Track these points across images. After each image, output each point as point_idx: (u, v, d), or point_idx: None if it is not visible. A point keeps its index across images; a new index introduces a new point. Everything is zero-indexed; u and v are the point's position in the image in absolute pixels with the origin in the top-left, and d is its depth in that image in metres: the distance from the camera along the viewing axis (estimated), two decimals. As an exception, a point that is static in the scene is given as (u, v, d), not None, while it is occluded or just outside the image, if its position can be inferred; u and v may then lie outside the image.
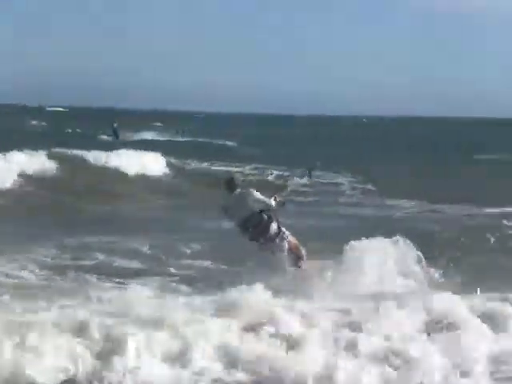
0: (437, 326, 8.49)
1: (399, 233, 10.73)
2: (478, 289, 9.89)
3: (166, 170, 28.02)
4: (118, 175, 25.25)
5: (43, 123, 66.15)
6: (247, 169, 31.32)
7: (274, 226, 10.88)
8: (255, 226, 10.85)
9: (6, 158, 22.65)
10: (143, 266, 12.24)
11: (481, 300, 9.37)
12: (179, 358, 7.20)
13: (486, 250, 13.60)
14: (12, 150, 23.32)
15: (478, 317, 8.73)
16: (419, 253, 10.48)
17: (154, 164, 27.80)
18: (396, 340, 8.04)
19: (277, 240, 10.86)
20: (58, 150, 25.96)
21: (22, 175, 22.01)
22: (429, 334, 8.31)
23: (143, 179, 25.88)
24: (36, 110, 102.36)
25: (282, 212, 11.32)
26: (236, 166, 31.75)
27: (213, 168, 31.36)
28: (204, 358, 7.27)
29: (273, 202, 10.95)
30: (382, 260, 10.45)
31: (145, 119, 77.78)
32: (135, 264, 12.36)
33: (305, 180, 22.79)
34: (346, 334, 8.05)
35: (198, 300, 8.56)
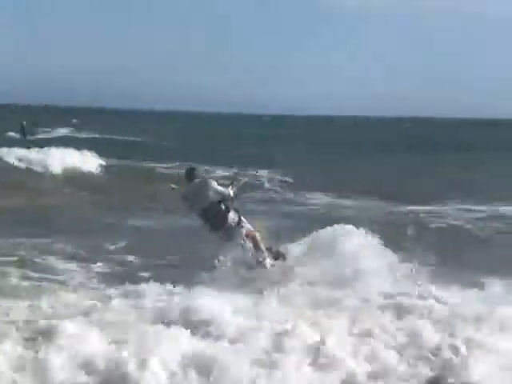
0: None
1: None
2: None
3: (94, 168, 27.94)
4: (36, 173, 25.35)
5: None
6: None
7: (231, 216, 11.13)
8: (214, 215, 11.10)
9: None
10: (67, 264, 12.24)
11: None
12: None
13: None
14: None
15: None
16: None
17: (81, 161, 27.90)
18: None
19: (235, 229, 11.16)
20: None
21: None
22: None
23: (71, 176, 25.81)
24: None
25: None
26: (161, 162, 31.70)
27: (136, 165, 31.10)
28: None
29: (231, 192, 11.22)
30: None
31: (62, 116, 76.91)
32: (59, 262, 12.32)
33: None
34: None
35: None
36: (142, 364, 6.67)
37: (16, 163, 26.55)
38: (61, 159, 27.25)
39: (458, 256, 12.47)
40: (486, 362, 7.19)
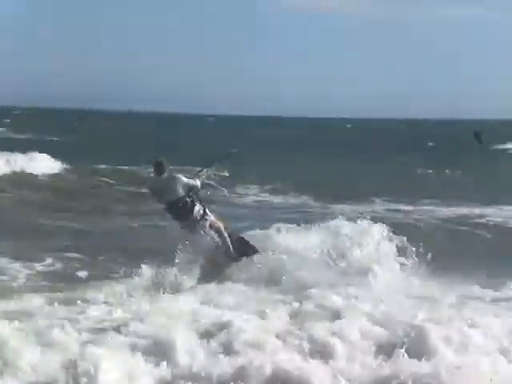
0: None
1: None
2: None
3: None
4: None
5: None
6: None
7: (197, 208, 11.44)
8: (180, 208, 11.37)
9: None
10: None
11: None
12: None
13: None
14: None
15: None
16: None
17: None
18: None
19: (200, 221, 11.44)
20: None
21: None
22: None
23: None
24: None
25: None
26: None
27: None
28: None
29: (198, 183, 11.52)
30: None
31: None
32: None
33: None
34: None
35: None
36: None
37: None
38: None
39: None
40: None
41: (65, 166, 26.29)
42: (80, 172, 25.87)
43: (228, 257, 11.43)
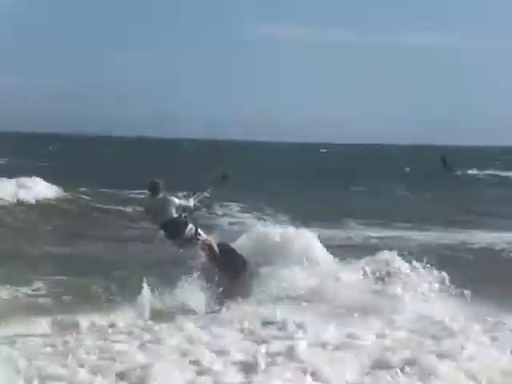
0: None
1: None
2: None
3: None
4: None
5: None
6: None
7: (189, 227, 12.10)
8: (173, 227, 12.04)
9: None
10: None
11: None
12: None
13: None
14: None
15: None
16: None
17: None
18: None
19: (192, 240, 12.11)
20: None
21: None
22: None
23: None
24: None
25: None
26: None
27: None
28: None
29: (191, 203, 12.20)
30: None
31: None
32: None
33: None
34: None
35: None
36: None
37: None
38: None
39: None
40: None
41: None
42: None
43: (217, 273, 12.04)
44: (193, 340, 8.95)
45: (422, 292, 11.60)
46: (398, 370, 7.72)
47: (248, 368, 7.81)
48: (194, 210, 12.32)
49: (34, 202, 23.48)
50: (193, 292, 11.22)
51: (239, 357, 8.16)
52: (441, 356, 8.16)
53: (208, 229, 13.34)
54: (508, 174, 54.76)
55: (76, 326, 9.62)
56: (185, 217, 12.06)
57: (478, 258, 16.45)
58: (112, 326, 9.86)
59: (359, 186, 37.77)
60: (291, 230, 12.89)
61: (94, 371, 7.52)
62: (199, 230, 12.22)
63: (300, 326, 9.66)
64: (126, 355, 8.13)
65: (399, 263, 12.14)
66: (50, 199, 24.35)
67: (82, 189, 26.78)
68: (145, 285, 10.86)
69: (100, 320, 9.95)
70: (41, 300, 11.37)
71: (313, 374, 7.61)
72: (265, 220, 21.05)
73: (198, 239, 12.11)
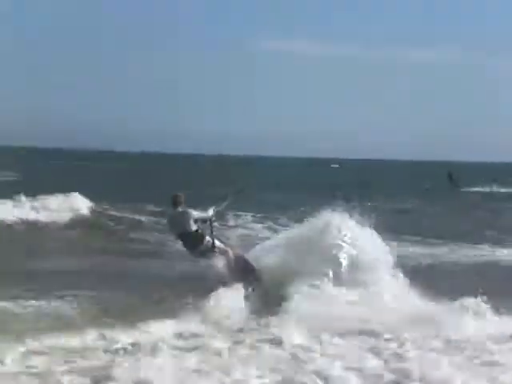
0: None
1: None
2: None
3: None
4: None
5: None
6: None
7: (206, 240, 12.72)
8: (191, 239, 12.73)
9: None
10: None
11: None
12: None
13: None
14: None
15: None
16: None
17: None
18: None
19: (209, 250, 12.70)
20: None
21: None
22: None
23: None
24: None
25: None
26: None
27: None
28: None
29: (210, 213, 12.92)
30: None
31: None
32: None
33: None
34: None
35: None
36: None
37: None
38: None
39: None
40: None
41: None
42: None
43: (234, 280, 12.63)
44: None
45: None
46: None
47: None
48: (213, 221, 13.09)
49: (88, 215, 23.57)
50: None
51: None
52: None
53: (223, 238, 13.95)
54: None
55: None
56: (201, 230, 12.73)
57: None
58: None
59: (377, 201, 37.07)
60: None
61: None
62: (216, 241, 12.89)
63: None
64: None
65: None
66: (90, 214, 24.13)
67: (118, 204, 26.45)
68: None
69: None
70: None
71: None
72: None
73: (215, 251, 12.76)
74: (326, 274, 12.23)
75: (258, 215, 26.22)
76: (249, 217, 25.73)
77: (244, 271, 12.70)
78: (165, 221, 14.27)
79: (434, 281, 13.22)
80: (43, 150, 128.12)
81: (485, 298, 10.88)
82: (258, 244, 14.29)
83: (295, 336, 9.59)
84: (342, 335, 9.77)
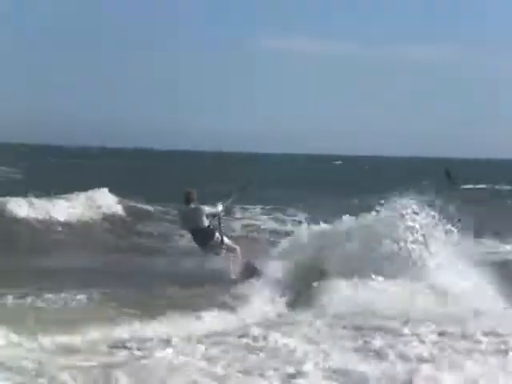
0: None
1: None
2: None
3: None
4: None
5: None
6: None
7: (216, 235, 13.20)
8: (202, 234, 13.19)
9: None
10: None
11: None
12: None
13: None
14: None
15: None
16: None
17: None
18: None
19: (218, 246, 13.23)
20: None
21: None
22: None
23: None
24: None
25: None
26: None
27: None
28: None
29: (220, 208, 13.29)
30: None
31: None
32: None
33: None
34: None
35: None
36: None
37: None
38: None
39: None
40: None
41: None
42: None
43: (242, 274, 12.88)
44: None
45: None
46: None
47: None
48: (222, 216, 13.39)
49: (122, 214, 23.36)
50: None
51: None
52: None
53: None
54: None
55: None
56: (213, 226, 13.17)
57: None
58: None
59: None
60: None
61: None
62: (224, 238, 13.30)
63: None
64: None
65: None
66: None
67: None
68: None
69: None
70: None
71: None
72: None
73: (223, 248, 13.18)
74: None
75: (267, 207, 26.51)
76: (258, 209, 25.99)
77: (248, 271, 12.95)
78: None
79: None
80: (45, 146, 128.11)
81: None
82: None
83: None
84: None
